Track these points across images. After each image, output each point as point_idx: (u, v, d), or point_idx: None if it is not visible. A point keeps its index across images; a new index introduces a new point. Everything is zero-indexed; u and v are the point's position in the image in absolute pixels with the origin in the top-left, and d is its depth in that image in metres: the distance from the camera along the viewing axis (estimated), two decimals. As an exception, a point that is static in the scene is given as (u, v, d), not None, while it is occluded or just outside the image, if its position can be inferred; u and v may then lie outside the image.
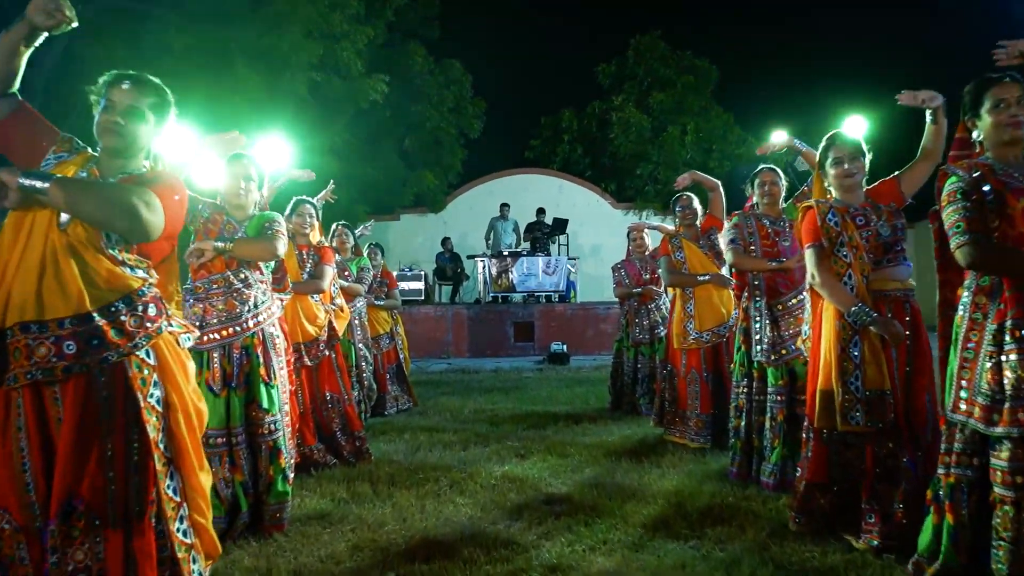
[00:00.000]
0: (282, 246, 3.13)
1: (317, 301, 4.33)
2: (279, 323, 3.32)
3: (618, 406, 6.24)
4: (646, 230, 6.35)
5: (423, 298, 12.33)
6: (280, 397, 3.22)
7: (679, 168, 18.03)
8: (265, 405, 3.12)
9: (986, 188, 2.19)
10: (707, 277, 4.81)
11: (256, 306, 3.14)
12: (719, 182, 5.06)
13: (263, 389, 3.12)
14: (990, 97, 2.30)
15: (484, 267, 12.13)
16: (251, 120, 13.31)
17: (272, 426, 3.13)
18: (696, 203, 5.15)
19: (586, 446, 4.76)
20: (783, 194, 4.10)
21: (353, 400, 4.48)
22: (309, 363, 4.20)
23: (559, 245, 13.48)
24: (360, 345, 5.49)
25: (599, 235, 17.03)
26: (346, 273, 5.59)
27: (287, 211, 4.66)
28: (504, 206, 13.72)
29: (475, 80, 18.19)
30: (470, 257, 12.94)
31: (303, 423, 4.13)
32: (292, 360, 3.92)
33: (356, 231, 6.49)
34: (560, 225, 12.96)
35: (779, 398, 3.71)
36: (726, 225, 4.46)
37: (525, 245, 12.95)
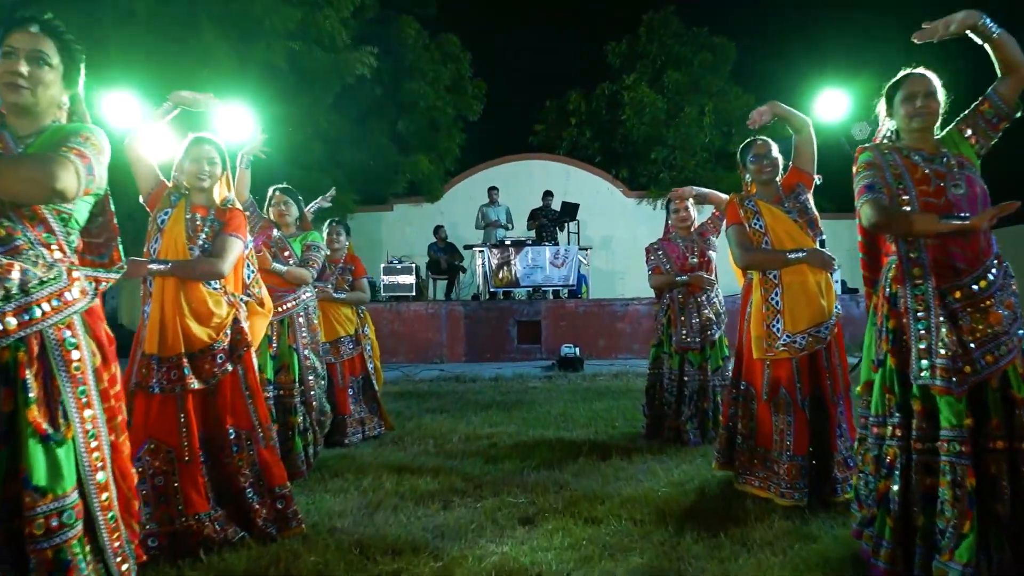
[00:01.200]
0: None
1: (216, 290, 2.82)
2: (87, 321, 1.82)
3: (656, 432, 4.74)
4: (691, 198, 4.82)
5: (414, 294, 10.82)
6: (83, 459, 1.72)
7: (696, 153, 16.64)
8: (38, 480, 1.62)
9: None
10: (802, 254, 3.30)
11: (26, 292, 1.65)
12: (809, 119, 3.54)
13: (35, 450, 1.62)
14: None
15: (483, 259, 10.61)
16: (222, 94, 11.87)
17: (56, 519, 1.63)
18: (776, 151, 3.63)
19: (623, 502, 3.25)
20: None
21: (273, 437, 2.96)
22: (198, 386, 2.69)
23: (568, 233, 11.93)
24: (307, 352, 3.99)
25: (610, 226, 15.56)
26: (286, 254, 4.09)
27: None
28: (492, 189, 12.22)
29: (474, 59, 16.74)
30: (467, 247, 11.42)
31: (187, 479, 2.64)
32: (159, 379, 2.44)
33: (312, 204, 4.98)
34: (570, 210, 11.44)
35: (963, 448, 2.19)
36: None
37: (529, 234, 11.41)
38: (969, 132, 2.43)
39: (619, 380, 7.75)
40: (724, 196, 4.68)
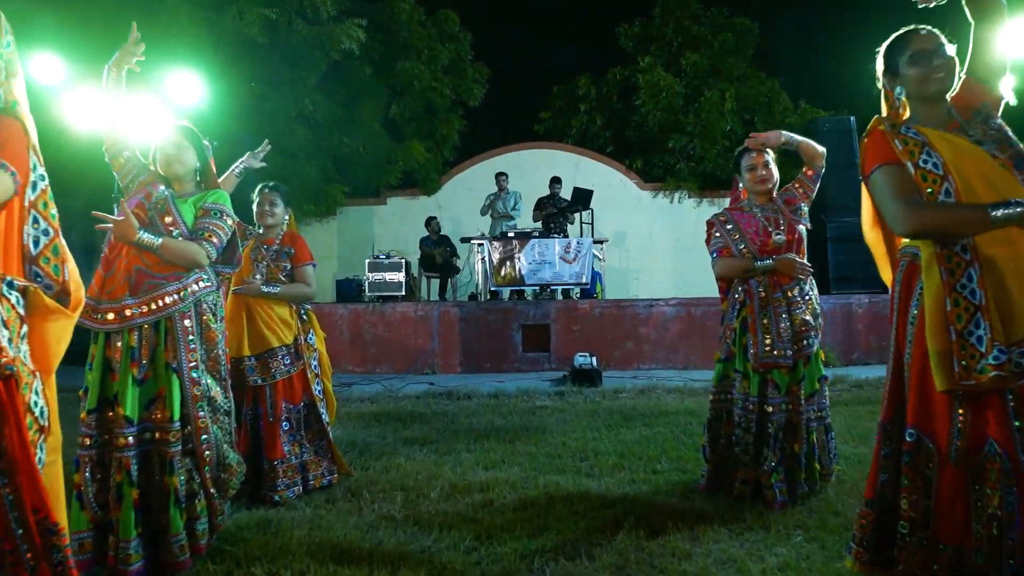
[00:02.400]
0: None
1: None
2: None
3: (722, 484, 3.32)
4: (771, 151, 3.41)
5: (404, 293, 9.40)
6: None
7: (717, 141, 15.21)
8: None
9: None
10: (1014, 210, 1.85)
11: None
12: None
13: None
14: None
15: (483, 253, 9.17)
16: (190, 69, 10.51)
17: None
18: (949, 48, 2.18)
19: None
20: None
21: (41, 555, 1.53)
22: None
23: (581, 224, 10.48)
24: (196, 374, 2.57)
25: (623, 221, 14.14)
26: (167, 220, 2.67)
27: None
28: (501, 175, 10.78)
29: (475, 42, 15.34)
30: (464, 240, 9.98)
31: None
32: None
33: (237, 163, 3.61)
34: (582, 197, 10.00)
35: None
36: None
37: (536, 225, 9.96)
38: None
39: (647, 398, 6.31)
40: (818, 146, 3.33)
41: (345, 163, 13.96)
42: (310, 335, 3.57)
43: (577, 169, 14.29)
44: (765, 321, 3.17)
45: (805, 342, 3.17)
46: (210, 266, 2.78)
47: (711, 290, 9.67)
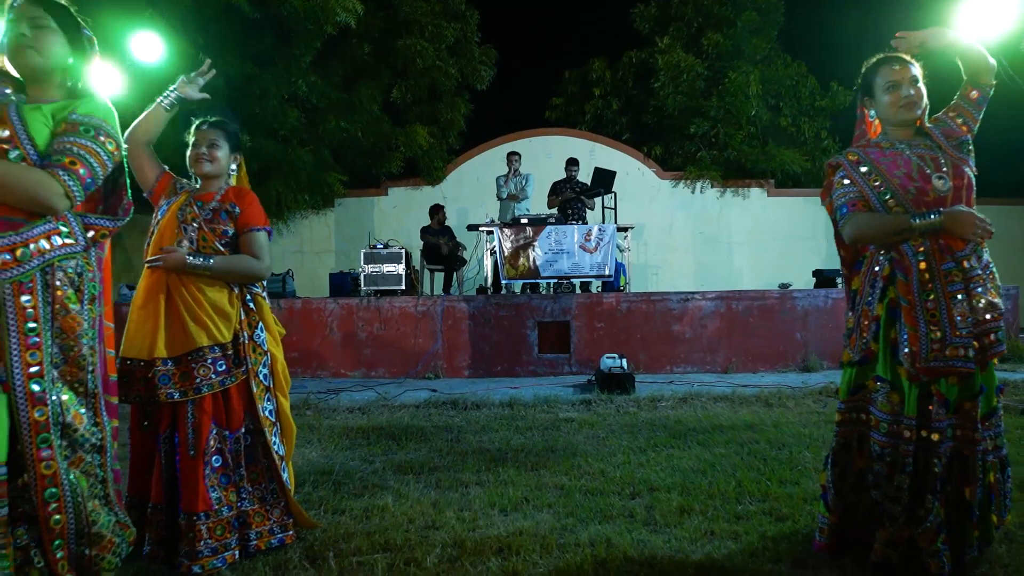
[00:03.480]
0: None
1: None
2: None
3: (849, 542, 2.27)
4: (915, 61, 2.34)
5: (404, 288, 8.34)
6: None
7: (743, 127, 14.15)
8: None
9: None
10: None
11: None
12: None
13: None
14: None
15: (493, 242, 8.12)
16: (170, 45, 9.52)
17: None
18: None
19: None
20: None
21: None
22: None
23: (604, 209, 9.38)
24: (39, 387, 1.51)
25: (641, 212, 13.07)
26: (3, 135, 1.63)
27: None
28: (513, 155, 9.72)
29: (482, 23, 14.29)
30: (472, 228, 8.91)
31: None
32: None
33: (171, 88, 2.56)
34: (604, 179, 8.92)
35: None
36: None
37: (552, 211, 8.88)
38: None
39: (691, 408, 5.25)
40: (990, 57, 2.26)
41: (342, 149, 12.94)
42: (259, 331, 2.51)
43: (592, 156, 13.22)
44: (931, 305, 2.11)
45: (993, 336, 2.11)
46: (75, 215, 1.74)
47: (736, 288, 8.49)
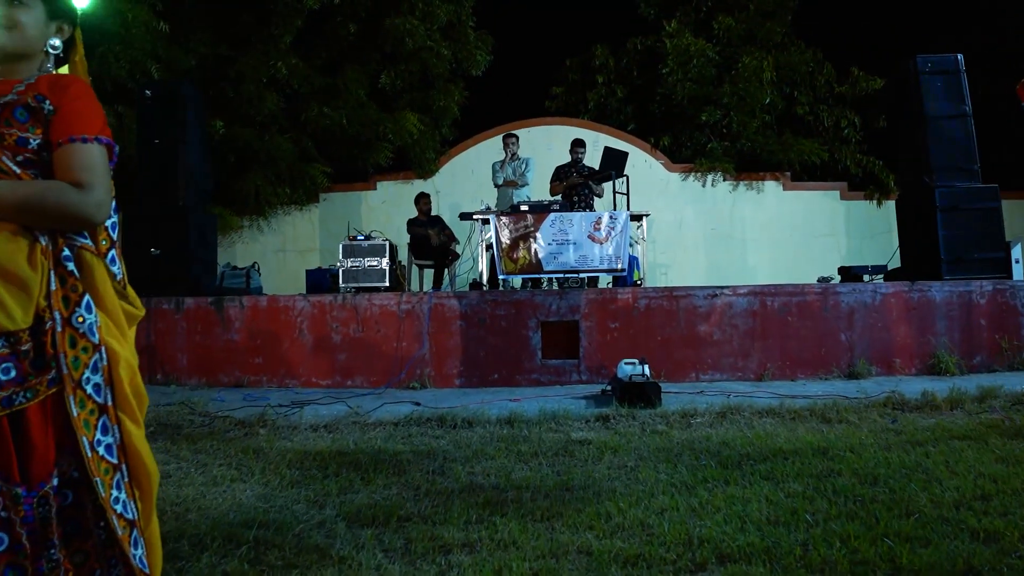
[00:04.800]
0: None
1: None
2: None
3: None
4: None
5: (388, 284, 7.33)
6: None
7: (757, 116, 13.20)
8: None
9: None
10: None
11: None
12: None
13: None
14: None
15: (490, 232, 7.09)
16: (136, 21, 8.58)
17: None
18: None
19: None
20: None
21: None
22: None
23: (615, 194, 8.37)
24: None
25: (649, 206, 11.98)
26: None
27: None
28: (510, 137, 8.74)
29: (478, 6, 13.32)
30: (465, 216, 7.89)
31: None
32: None
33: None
34: (614, 160, 7.91)
35: None
36: None
37: (556, 199, 7.86)
38: None
39: (735, 426, 4.23)
40: None
41: (326, 139, 11.94)
42: (84, 311, 1.47)
43: (595, 147, 12.21)
44: None
45: None
46: None
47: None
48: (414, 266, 8.63)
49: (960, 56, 7.33)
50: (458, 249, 8.76)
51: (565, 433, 4.10)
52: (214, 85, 10.87)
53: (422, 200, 8.96)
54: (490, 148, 12.20)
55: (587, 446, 3.73)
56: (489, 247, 7.31)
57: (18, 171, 1.44)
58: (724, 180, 12.91)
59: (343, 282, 7.41)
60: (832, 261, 10.79)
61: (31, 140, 1.46)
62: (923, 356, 6.28)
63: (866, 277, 7.41)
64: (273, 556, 2.18)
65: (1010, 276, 7.00)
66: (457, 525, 2.45)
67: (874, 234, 12.34)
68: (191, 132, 7.44)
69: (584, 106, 15.03)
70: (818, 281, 6.98)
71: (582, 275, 7.19)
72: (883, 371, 6.21)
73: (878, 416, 4.47)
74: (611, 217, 7.01)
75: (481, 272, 7.60)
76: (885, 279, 7.35)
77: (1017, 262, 7.19)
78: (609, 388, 5.33)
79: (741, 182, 12.96)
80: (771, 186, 12.99)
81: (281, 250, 12.82)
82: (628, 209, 7.88)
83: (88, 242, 1.53)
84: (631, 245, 7.50)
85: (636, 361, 5.22)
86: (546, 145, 12.18)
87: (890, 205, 11.87)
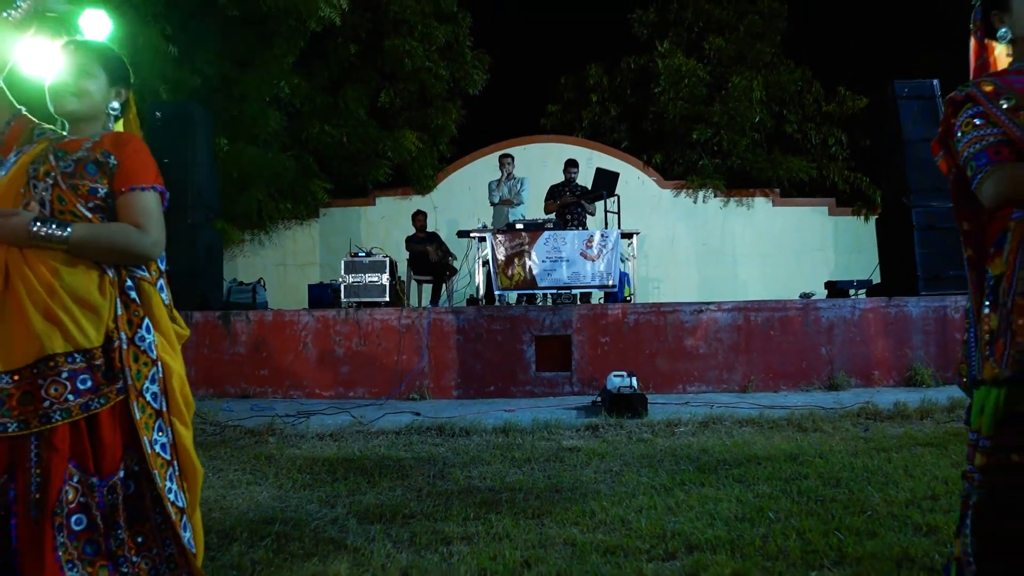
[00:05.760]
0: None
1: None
2: None
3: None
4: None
5: (388, 299, 7.61)
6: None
7: (747, 134, 13.56)
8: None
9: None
10: None
11: None
12: None
13: None
14: None
15: (486, 250, 7.40)
16: (147, 45, 8.87)
17: None
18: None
19: None
20: None
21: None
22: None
23: (606, 213, 8.68)
24: None
25: (642, 222, 12.39)
26: None
27: None
28: (505, 157, 9.04)
29: (475, 26, 13.70)
30: (462, 234, 8.20)
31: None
32: None
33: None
34: (606, 180, 8.24)
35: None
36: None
37: (550, 217, 8.18)
38: None
39: (715, 434, 4.52)
40: None
41: (327, 156, 12.27)
42: (145, 332, 1.76)
43: (589, 165, 12.53)
44: None
45: None
46: None
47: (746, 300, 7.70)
48: (413, 281, 8.91)
49: (936, 82, 7.68)
50: (456, 264, 9.05)
51: (556, 441, 4.38)
52: (219, 104, 11.16)
53: (418, 217, 9.27)
54: (486, 165, 12.53)
55: (576, 453, 4.01)
56: (485, 263, 7.61)
57: (89, 215, 1.74)
58: (715, 196, 13.25)
59: (345, 297, 7.70)
60: (821, 275, 11.10)
61: (99, 189, 1.76)
62: (900, 368, 6.57)
63: (851, 291, 7.71)
64: (294, 547, 2.45)
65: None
66: (456, 521, 2.73)
67: (861, 249, 12.66)
68: (200, 152, 7.74)
69: (579, 124, 15.39)
70: (800, 297, 7.28)
71: (575, 291, 7.49)
72: (862, 383, 6.50)
73: (851, 425, 4.75)
74: (602, 235, 7.32)
75: (478, 288, 7.89)
76: (867, 294, 7.65)
77: (991, 279, 7.50)
78: (599, 399, 5.61)
79: (731, 198, 13.30)
80: (761, 202, 13.33)
81: (282, 264, 13.10)
82: (619, 227, 8.19)
83: (146, 274, 1.82)
84: (622, 261, 7.81)
85: (624, 373, 5.52)
86: (541, 162, 12.52)
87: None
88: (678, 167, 14.01)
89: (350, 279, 7.73)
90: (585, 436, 4.55)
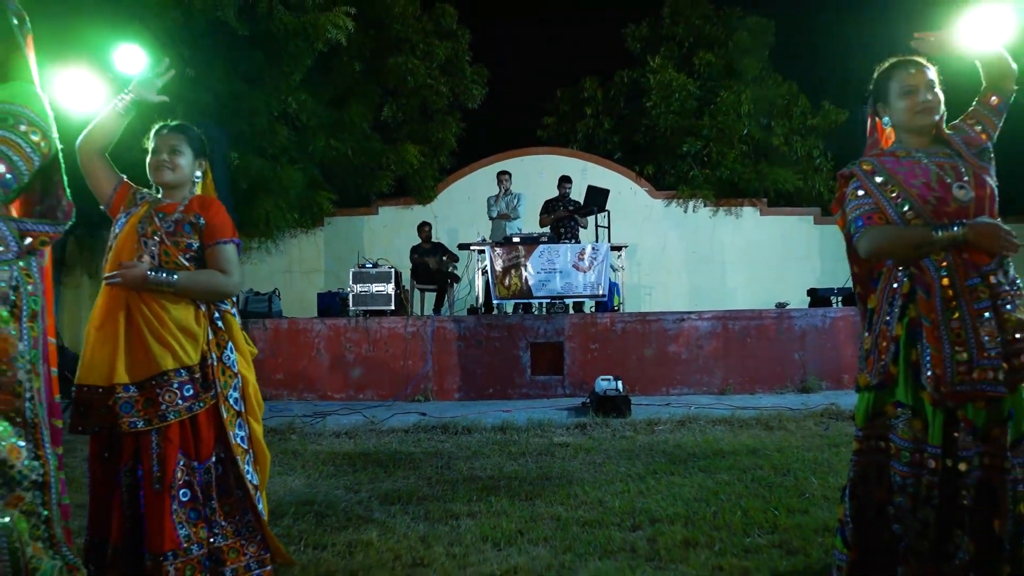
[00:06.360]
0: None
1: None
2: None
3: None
4: (931, 65, 2.21)
5: (394, 307, 8.17)
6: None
7: (735, 146, 14.12)
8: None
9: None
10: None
11: None
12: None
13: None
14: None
15: (485, 261, 7.97)
16: (156, 60, 9.37)
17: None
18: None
19: None
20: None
21: None
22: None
23: (597, 228, 9.26)
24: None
25: (634, 231, 12.99)
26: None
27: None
28: (503, 174, 9.59)
29: (474, 42, 14.27)
30: (463, 247, 8.77)
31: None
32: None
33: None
34: (597, 197, 8.80)
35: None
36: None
37: (544, 230, 8.75)
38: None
39: (690, 432, 5.08)
40: (1012, 61, 2.17)
41: (332, 168, 12.81)
42: (229, 352, 2.33)
43: (584, 176, 13.12)
44: (955, 324, 1.96)
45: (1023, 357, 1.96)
46: (4, 219, 1.57)
47: (729, 308, 8.35)
48: (416, 290, 9.46)
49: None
50: (458, 271, 9.59)
51: (548, 438, 4.94)
52: (229, 119, 11.70)
53: (424, 228, 9.81)
54: (485, 176, 13.07)
55: (566, 448, 4.57)
56: (484, 273, 8.16)
57: (187, 265, 2.29)
58: (704, 206, 13.78)
59: (353, 305, 8.25)
60: (807, 283, 11.64)
61: (193, 244, 2.32)
62: (867, 372, 7.13)
63: (832, 298, 8.23)
64: (330, 521, 3.01)
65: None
66: (462, 502, 3.29)
67: (845, 257, 13.15)
68: (218, 170, 8.24)
69: (574, 135, 15.95)
70: (776, 306, 7.84)
71: (567, 300, 8.05)
72: (832, 385, 7.06)
73: (813, 424, 5.31)
74: (593, 248, 7.88)
75: (477, 297, 8.45)
76: (844, 302, 8.21)
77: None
78: (588, 401, 6.17)
79: (720, 208, 13.84)
80: (749, 212, 13.87)
81: (287, 271, 13.63)
82: (609, 241, 8.74)
83: (227, 307, 2.38)
84: (613, 270, 8.37)
85: (611, 378, 6.08)
86: (537, 173, 13.06)
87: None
88: (669, 178, 14.54)
89: (357, 288, 8.28)
90: (574, 433, 5.11)
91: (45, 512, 1.59)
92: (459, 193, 13.56)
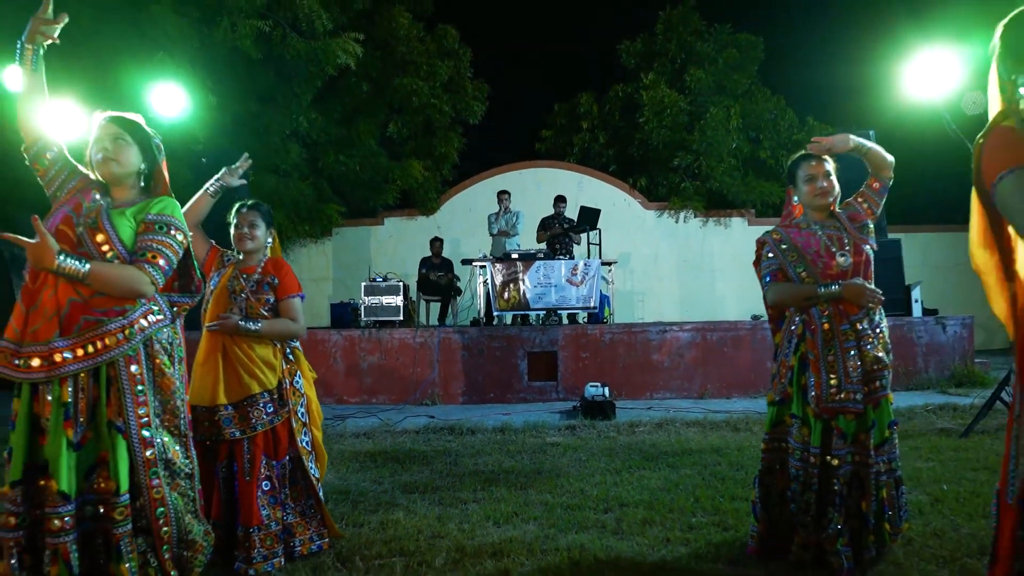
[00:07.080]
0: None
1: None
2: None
3: (775, 547, 2.87)
4: (830, 159, 2.98)
5: (402, 318, 8.92)
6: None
7: (724, 160, 14.85)
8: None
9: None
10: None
11: None
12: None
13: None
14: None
15: (485, 276, 8.72)
16: (179, 83, 10.11)
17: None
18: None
19: None
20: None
21: None
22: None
23: (589, 245, 10.02)
24: (149, 432, 2.14)
25: (627, 242, 13.78)
26: (99, 239, 2.21)
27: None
28: (503, 193, 10.32)
29: (475, 58, 15.01)
30: (465, 263, 9.52)
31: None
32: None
33: (212, 180, 3.16)
34: (589, 217, 9.55)
35: None
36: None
37: (541, 246, 9.51)
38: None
39: (666, 433, 5.83)
40: (888, 155, 2.92)
41: (341, 182, 13.58)
42: (297, 378, 3.08)
43: (580, 188, 13.92)
44: (831, 358, 2.72)
45: (878, 383, 2.71)
46: (163, 295, 2.30)
47: (719, 314, 9.13)
48: (422, 301, 10.21)
49: (872, 132, 8.96)
50: (460, 285, 10.34)
51: (542, 438, 5.69)
52: (244, 137, 12.44)
53: (435, 244, 10.53)
54: (486, 188, 13.82)
55: (556, 447, 5.32)
56: (485, 286, 8.91)
57: (267, 315, 3.03)
58: (695, 217, 14.53)
59: (364, 316, 9.00)
60: (789, 290, 12.28)
61: (270, 299, 3.06)
62: (832, 378, 7.89)
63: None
64: (364, 506, 3.75)
65: (910, 313, 8.62)
66: (469, 491, 4.03)
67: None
68: (239, 190, 9.02)
69: (570, 149, 16.71)
70: (752, 319, 8.58)
71: (562, 312, 8.80)
72: (801, 390, 7.79)
73: (775, 426, 6.04)
74: (586, 264, 8.63)
75: (479, 309, 9.20)
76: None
77: (917, 301, 8.83)
78: (578, 405, 6.92)
79: (710, 218, 14.59)
80: (737, 222, 14.61)
81: (298, 279, 14.36)
82: (600, 257, 9.49)
83: (296, 344, 3.13)
84: (604, 282, 9.11)
85: (599, 384, 6.83)
86: (535, 185, 13.83)
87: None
88: (661, 189, 15.30)
89: (369, 300, 9.03)
90: (564, 434, 5.86)
91: (192, 494, 2.33)
92: (461, 204, 14.30)
